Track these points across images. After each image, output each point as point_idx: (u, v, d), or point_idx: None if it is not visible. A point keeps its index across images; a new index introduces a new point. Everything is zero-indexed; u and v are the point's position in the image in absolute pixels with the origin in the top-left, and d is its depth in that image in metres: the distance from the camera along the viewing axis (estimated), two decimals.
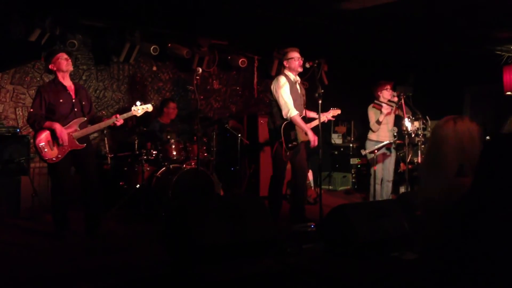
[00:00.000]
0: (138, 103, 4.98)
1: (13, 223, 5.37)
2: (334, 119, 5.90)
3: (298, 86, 5.41)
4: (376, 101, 6.49)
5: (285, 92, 5.20)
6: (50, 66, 4.66)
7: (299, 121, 5.21)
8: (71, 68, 4.73)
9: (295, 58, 5.30)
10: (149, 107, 5.03)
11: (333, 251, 4.08)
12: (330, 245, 4.15)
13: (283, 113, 5.22)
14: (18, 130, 5.98)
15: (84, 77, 6.90)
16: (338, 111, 5.79)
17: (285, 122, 5.20)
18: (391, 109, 6.42)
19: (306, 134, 5.30)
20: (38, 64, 6.54)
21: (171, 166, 5.96)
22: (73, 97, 4.70)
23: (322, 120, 5.40)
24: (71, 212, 4.80)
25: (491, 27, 6.54)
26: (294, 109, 5.19)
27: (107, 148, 6.21)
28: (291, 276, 3.50)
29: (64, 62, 4.64)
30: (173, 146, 6.04)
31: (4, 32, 5.87)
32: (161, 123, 6.67)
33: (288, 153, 5.21)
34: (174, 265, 3.65)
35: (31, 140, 4.64)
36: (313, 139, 5.21)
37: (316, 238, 4.52)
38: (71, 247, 4.49)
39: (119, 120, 4.77)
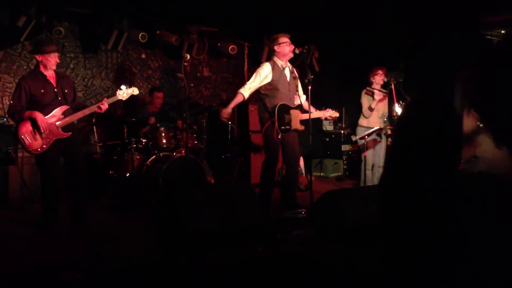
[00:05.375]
0: (123, 86, 4.87)
1: (1, 213, 5.32)
2: (331, 118, 5.85)
3: (287, 73, 5.35)
4: (368, 88, 6.49)
5: (258, 76, 5.18)
6: (37, 56, 4.57)
7: (235, 100, 5.21)
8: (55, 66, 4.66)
9: (286, 43, 5.25)
10: (134, 91, 4.90)
11: (323, 236, 4.07)
12: (321, 231, 4.15)
13: (241, 88, 5.25)
14: (5, 119, 5.91)
15: (71, 65, 6.82)
16: (336, 114, 5.67)
17: (279, 104, 5.16)
18: (383, 96, 6.41)
19: (299, 123, 5.28)
20: (25, 52, 6.45)
21: (161, 154, 5.92)
22: (54, 85, 4.63)
23: (317, 116, 5.49)
24: (60, 201, 4.76)
25: (481, 12, 6.51)
26: (247, 93, 5.19)
27: (96, 137, 6.16)
28: (281, 262, 3.49)
29: (53, 61, 4.57)
30: (163, 134, 6.00)
31: None
32: (149, 111, 6.64)
33: (279, 135, 5.16)
34: (164, 253, 3.64)
35: None
36: (224, 113, 5.24)
37: (306, 224, 4.52)
38: (60, 237, 4.46)
39: (104, 104, 4.66)
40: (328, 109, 5.61)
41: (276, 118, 5.13)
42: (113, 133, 6.53)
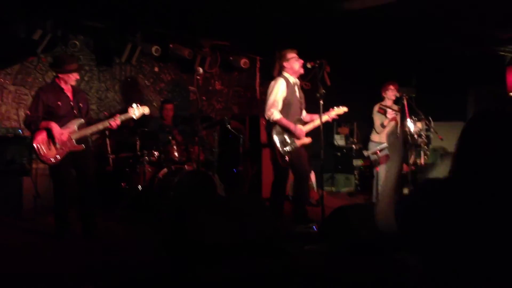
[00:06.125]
0: (134, 105, 4.93)
1: (15, 224, 5.37)
2: (337, 117, 5.59)
3: (296, 89, 5.34)
4: (381, 106, 6.45)
5: (278, 94, 5.13)
6: (59, 73, 4.65)
7: (284, 122, 5.10)
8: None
9: (295, 58, 5.25)
10: (146, 110, 4.97)
11: (335, 252, 4.05)
12: (332, 246, 4.12)
13: (265, 113, 5.15)
14: (20, 131, 5.98)
15: (86, 78, 6.91)
16: (345, 109, 5.51)
17: (274, 128, 5.13)
18: (396, 114, 6.39)
19: (304, 136, 5.26)
20: (40, 65, 6.55)
21: (172, 167, 5.94)
22: (71, 99, 4.71)
23: (325, 120, 5.34)
24: (71, 212, 4.79)
25: (494, 28, 6.50)
26: (278, 113, 5.10)
27: (109, 149, 6.20)
28: (291, 276, 3.47)
29: (73, 78, 4.70)
30: (175, 147, 6.03)
31: (4, 31, 5.88)
32: (160, 123, 6.69)
33: (286, 157, 5.15)
34: (174, 265, 3.64)
35: None
36: (301, 134, 5.15)
37: (318, 239, 4.49)
38: (72, 247, 4.49)
39: (117, 120, 4.74)
40: (331, 109, 5.46)
41: (275, 146, 5.12)
42: (126, 146, 6.57)
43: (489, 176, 1.48)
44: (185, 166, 6.00)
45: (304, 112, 5.52)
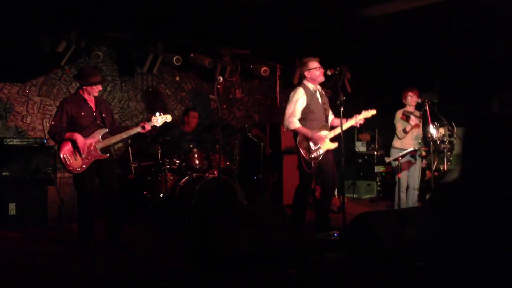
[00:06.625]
0: (157, 113, 5.03)
1: (39, 232, 5.46)
2: (363, 122, 5.37)
3: (318, 96, 5.34)
4: (404, 112, 6.37)
5: (296, 104, 5.14)
6: (83, 85, 4.75)
7: (301, 130, 5.12)
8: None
9: (316, 68, 5.25)
10: (168, 118, 5.07)
11: (356, 259, 4.02)
12: (354, 254, 4.09)
13: (284, 122, 5.20)
14: (45, 141, 6.10)
15: (109, 88, 7.02)
16: (373, 112, 5.38)
17: (298, 138, 5.15)
18: (419, 121, 6.31)
19: (330, 142, 5.25)
20: (65, 76, 6.69)
21: (194, 175, 5.98)
22: (94, 109, 4.81)
23: (352, 125, 5.33)
24: (95, 221, 4.86)
25: None
26: (297, 122, 5.13)
27: (131, 158, 6.27)
28: (313, 285, 3.45)
29: (96, 90, 4.81)
30: (196, 155, 6.08)
31: (30, 44, 6.02)
32: (181, 130, 6.73)
33: (312, 164, 5.14)
34: (195, 274, 3.65)
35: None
36: (319, 140, 5.13)
37: (339, 246, 4.46)
38: (95, 256, 4.54)
39: (148, 126, 4.86)
40: (356, 115, 5.35)
41: (301, 151, 5.13)
42: (147, 154, 6.64)
43: (493, 177, 1.49)
44: (206, 174, 6.03)
45: (331, 117, 5.49)
